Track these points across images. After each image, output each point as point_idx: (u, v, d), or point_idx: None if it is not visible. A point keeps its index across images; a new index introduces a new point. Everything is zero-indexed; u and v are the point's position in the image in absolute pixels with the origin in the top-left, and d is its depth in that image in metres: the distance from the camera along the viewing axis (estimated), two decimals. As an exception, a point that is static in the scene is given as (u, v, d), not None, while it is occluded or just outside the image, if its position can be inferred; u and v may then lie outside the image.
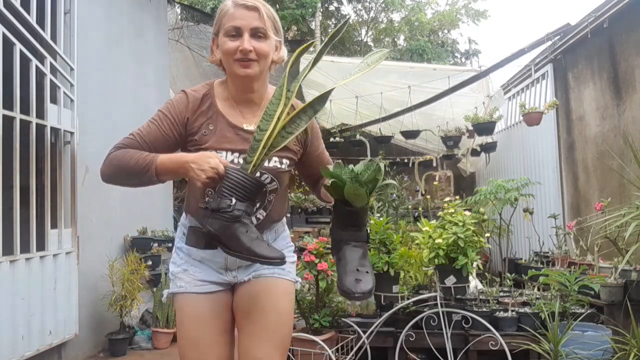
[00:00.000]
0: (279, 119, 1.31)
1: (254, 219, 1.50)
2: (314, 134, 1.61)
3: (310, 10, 12.10)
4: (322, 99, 1.38)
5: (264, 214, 1.53)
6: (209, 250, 1.41)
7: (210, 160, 1.33)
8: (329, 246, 3.84)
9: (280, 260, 1.31)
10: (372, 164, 1.39)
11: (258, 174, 1.42)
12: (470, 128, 6.88)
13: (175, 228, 5.40)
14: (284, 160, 1.51)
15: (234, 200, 1.29)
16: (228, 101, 1.52)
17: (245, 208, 1.31)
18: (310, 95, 7.71)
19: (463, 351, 3.07)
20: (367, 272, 1.40)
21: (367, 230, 1.47)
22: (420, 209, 5.95)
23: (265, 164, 1.45)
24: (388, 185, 1.44)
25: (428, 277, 3.64)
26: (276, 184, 1.51)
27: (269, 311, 1.52)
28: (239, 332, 1.56)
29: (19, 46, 3.01)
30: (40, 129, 3.27)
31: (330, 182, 1.38)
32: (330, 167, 1.48)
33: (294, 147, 1.54)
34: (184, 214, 1.64)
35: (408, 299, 3.20)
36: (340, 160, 1.57)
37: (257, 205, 1.50)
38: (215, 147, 1.45)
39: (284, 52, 1.55)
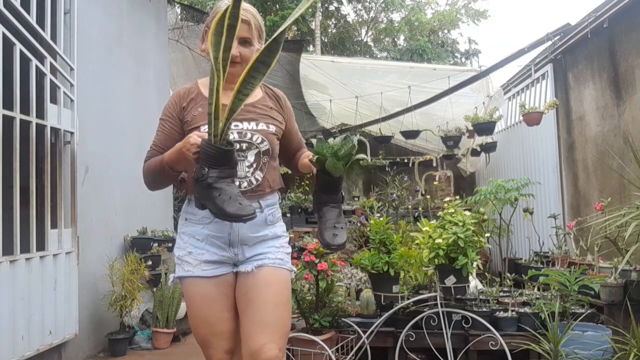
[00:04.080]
0: (217, 90, 1.43)
1: (253, 179, 1.70)
2: (290, 113, 1.88)
3: (310, 10, 12.10)
4: (271, 50, 1.46)
5: (261, 175, 1.72)
6: (212, 223, 1.68)
7: (190, 140, 1.55)
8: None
9: (250, 216, 1.46)
10: (348, 140, 1.64)
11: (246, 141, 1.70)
12: (470, 128, 6.88)
13: (175, 228, 5.41)
14: (271, 126, 1.75)
15: (206, 169, 1.48)
16: None
17: (218, 174, 1.48)
18: (309, 94, 7.72)
19: (463, 351, 3.07)
20: (342, 227, 1.69)
21: (342, 194, 1.77)
22: (420, 209, 5.96)
23: (254, 126, 1.71)
24: (361, 159, 1.71)
25: (428, 277, 3.64)
26: (267, 144, 1.72)
27: (269, 299, 1.64)
28: (241, 318, 1.67)
29: (19, 46, 3.01)
30: (40, 129, 3.27)
31: (315, 157, 1.66)
32: (314, 142, 1.74)
33: (277, 117, 1.80)
34: (186, 200, 1.79)
35: (408, 299, 3.20)
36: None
37: (254, 165, 1.70)
38: (206, 122, 1.64)
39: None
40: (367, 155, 8.22)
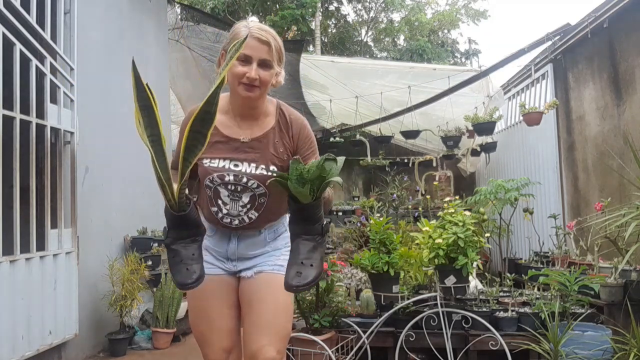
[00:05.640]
0: (154, 163, 1.40)
1: (245, 218, 1.68)
2: (303, 142, 1.72)
3: (310, 10, 12.10)
4: (205, 122, 1.39)
5: (256, 214, 1.69)
6: (213, 238, 1.74)
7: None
8: (329, 246, 3.82)
9: (190, 285, 1.44)
10: (319, 161, 1.43)
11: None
12: (470, 128, 6.88)
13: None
14: (272, 167, 1.66)
15: (167, 229, 1.50)
16: (228, 114, 1.70)
17: (175, 235, 1.49)
18: (309, 94, 7.72)
19: (463, 351, 3.07)
20: (311, 265, 1.46)
21: (321, 224, 1.52)
22: (420, 209, 5.96)
23: (253, 170, 1.64)
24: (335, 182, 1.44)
25: (428, 277, 3.64)
26: (263, 189, 1.65)
27: (268, 303, 1.67)
28: (243, 322, 1.72)
29: (19, 46, 3.01)
30: (40, 129, 3.27)
31: (273, 180, 1.48)
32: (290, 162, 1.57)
33: (282, 154, 1.69)
34: None
35: (408, 299, 3.20)
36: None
37: (248, 206, 1.67)
38: (209, 156, 1.65)
39: (282, 77, 1.72)
40: (367, 155, 8.26)
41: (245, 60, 1.60)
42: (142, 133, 1.42)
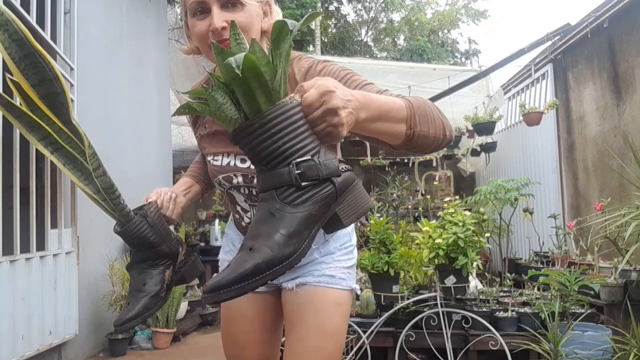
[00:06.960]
0: (68, 172, 1.23)
1: None
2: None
3: (310, 10, 12.11)
4: (60, 107, 1.19)
5: None
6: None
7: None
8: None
9: (116, 329, 1.27)
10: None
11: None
12: (470, 128, 6.87)
13: (176, 229, 5.41)
14: None
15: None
16: None
17: (132, 256, 1.34)
18: (310, 95, 7.70)
19: (463, 351, 3.07)
20: (250, 248, 0.79)
21: (288, 165, 0.81)
22: (420, 209, 5.95)
23: (244, 165, 1.24)
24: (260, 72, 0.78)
25: (428, 277, 3.64)
26: None
27: (310, 326, 1.29)
28: (285, 343, 1.39)
29: (19, 46, 3.01)
30: (40, 129, 3.27)
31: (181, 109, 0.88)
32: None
33: None
34: None
35: (408, 299, 3.20)
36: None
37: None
38: (212, 151, 1.31)
39: (276, 15, 1.20)
40: (367, 155, 8.25)
41: (202, 10, 1.13)
42: (29, 137, 1.15)
